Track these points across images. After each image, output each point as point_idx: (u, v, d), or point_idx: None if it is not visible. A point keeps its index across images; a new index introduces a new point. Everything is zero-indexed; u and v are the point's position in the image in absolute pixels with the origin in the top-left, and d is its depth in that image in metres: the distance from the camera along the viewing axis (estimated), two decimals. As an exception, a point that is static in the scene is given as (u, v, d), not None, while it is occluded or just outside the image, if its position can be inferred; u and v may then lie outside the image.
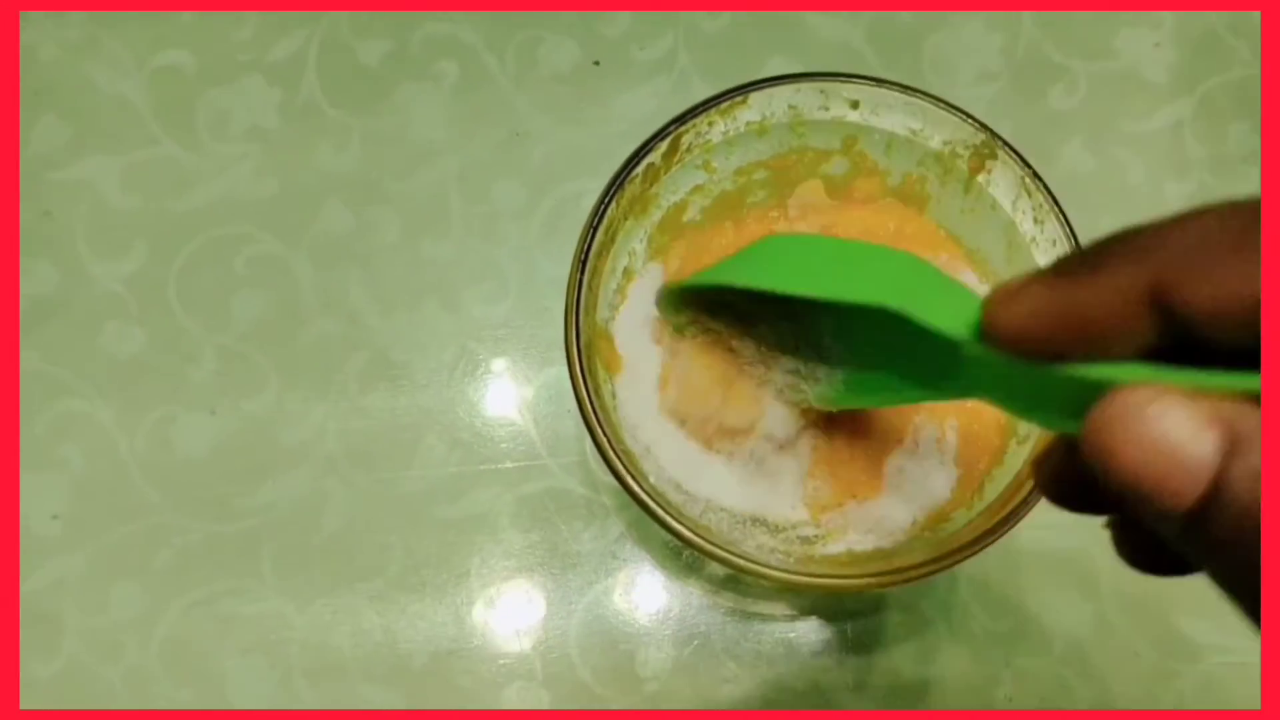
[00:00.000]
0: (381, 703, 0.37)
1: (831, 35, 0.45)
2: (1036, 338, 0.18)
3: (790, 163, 0.34)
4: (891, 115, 0.33)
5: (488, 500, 0.39)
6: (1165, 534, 0.16)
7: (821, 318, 0.29)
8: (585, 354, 0.29)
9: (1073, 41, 0.45)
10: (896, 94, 0.32)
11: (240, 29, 0.45)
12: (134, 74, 0.44)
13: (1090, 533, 0.22)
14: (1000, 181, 0.32)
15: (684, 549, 0.38)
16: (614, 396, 0.31)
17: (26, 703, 0.37)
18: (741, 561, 0.28)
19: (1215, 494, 0.15)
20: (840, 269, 0.25)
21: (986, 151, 0.32)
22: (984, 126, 0.32)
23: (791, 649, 0.38)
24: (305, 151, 0.43)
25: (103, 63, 0.44)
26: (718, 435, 0.31)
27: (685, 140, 0.32)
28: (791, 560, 0.30)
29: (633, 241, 0.33)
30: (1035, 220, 0.32)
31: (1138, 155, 0.44)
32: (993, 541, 0.28)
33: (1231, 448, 0.15)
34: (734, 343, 0.31)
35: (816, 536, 0.31)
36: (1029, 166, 0.31)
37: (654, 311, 0.33)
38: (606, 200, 0.31)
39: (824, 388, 0.30)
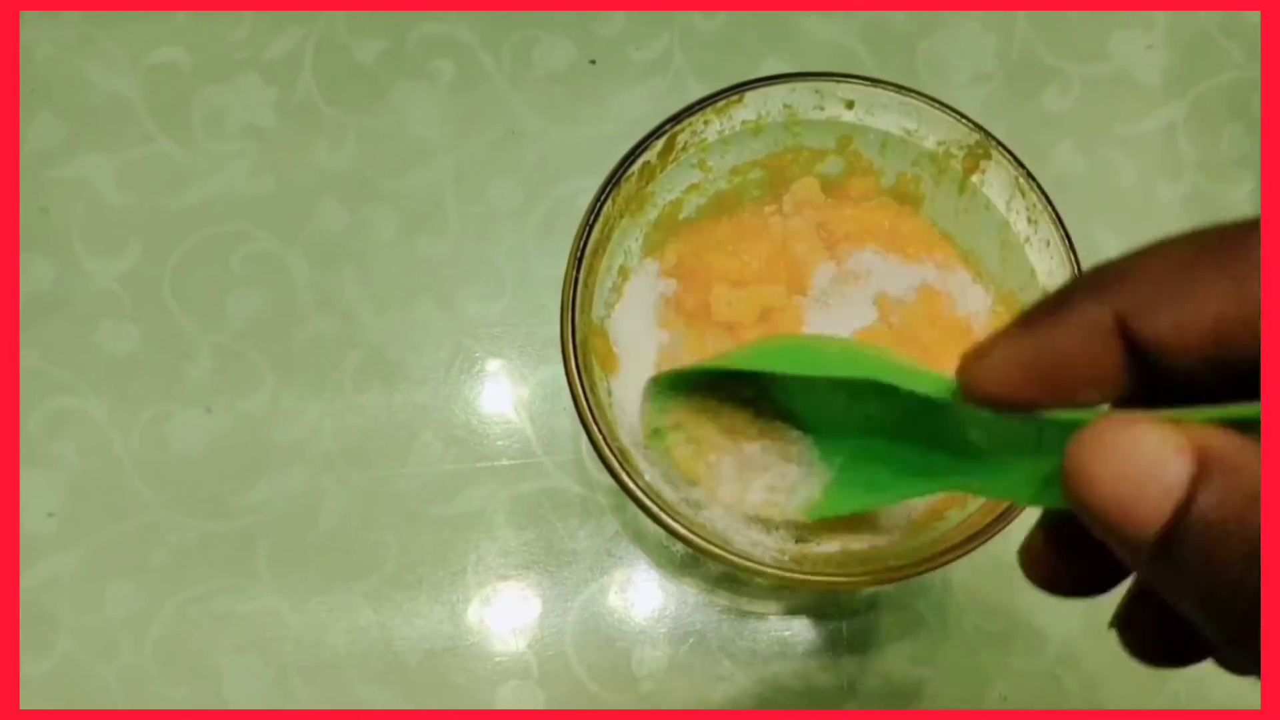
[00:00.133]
0: (377, 701, 0.37)
1: (826, 36, 0.45)
2: (1011, 385, 0.18)
3: (785, 162, 0.34)
4: (886, 115, 0.33)
5: (483, 498, 0.39)
6: (1136, 566, 0.16)
7: (810, 410, 0.29)
8: (581, 352, 0.29)
9: (1066, 43, 0.45)
10: (891, 94, 0.32)
11: (236, 28, 0.45)
12: (129, 72, 0.44)
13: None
14: (994, 182, 0.32)
15: (679, 547, 0.38)
16: (610, 394, 0.32)
17: (22, 702, 0.37)
18: (736, 559, 0.28)
19: (1185, 514, 0.15)
20: (831, 357, 0.27)
21: (981, 152, 0.32)
22: (978, 127, 0.32)
23: (786, 647, 0.38)
24: (301, 150, 0.43)
25: (98, 61, 0.44)
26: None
27: (681, 139, 0.32)
28: (786, 558, 0.30)
29: (628, 240, 0.33)
30: (1029, 220, 0.32)
31: (1130, 158, 0.44)
32: (986, 540, 0.28)
33: (1200, 469, 0.15)
34: (711, 457, 0.30)
35: (811, 535, 0.32)
36: (1023, 167, 0.32)
37: (649, 318, 0.33)
38: (602, 198, 0.31)
39: (805, 496, 0.29)
